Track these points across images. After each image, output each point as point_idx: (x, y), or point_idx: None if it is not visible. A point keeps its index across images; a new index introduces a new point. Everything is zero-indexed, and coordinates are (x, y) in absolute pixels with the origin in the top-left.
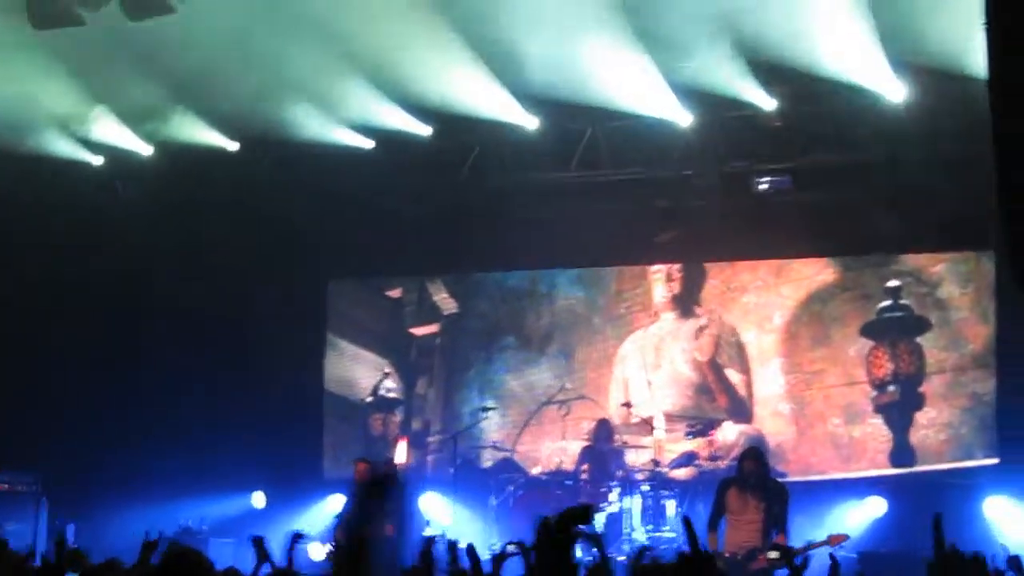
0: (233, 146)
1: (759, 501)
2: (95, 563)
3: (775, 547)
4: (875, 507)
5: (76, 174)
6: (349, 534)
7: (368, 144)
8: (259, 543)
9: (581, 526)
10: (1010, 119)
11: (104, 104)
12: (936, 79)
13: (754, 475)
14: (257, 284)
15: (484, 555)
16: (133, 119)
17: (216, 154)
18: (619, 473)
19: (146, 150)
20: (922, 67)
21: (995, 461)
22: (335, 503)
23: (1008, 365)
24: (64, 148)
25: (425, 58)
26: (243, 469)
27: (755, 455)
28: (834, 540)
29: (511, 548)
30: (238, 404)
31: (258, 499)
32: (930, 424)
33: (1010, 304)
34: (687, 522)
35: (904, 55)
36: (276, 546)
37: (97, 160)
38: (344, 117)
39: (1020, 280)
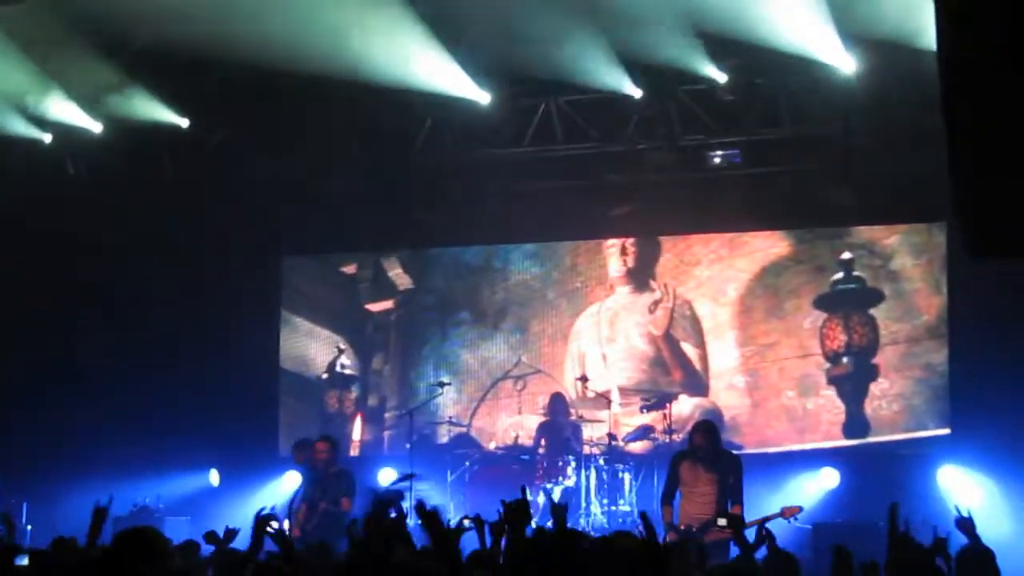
0: (183, 122)
1: (712, 473)
2: (49, 541)
3: (724, 515)
4: (829, 478)
5: (25, 151)
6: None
7: None
8: (261, 524)
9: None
10: (960, 92)
11: (54, 81)
12: (887, 51)
13: (703, 448)
14: (210, 261)
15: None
16: (83, 96)
17: (167, 131)
18: (575, 447)
19: (96, 127)
20: (873, 39)
21: (947, 431)
22: (291, 481)
23: (960, 336)
24: (13, 125)
25: (376, 33)
26: (198, 447)
27: (704, 428)
28: (788, 512)
29: (467, 523)
30: (193, 382)
31: (213, 477)
32: (883, 395)
33: (962, 275)
34: (644, 517)
35: (855, 27)
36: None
37: (46, 137)
38: None
39: (971, 251)
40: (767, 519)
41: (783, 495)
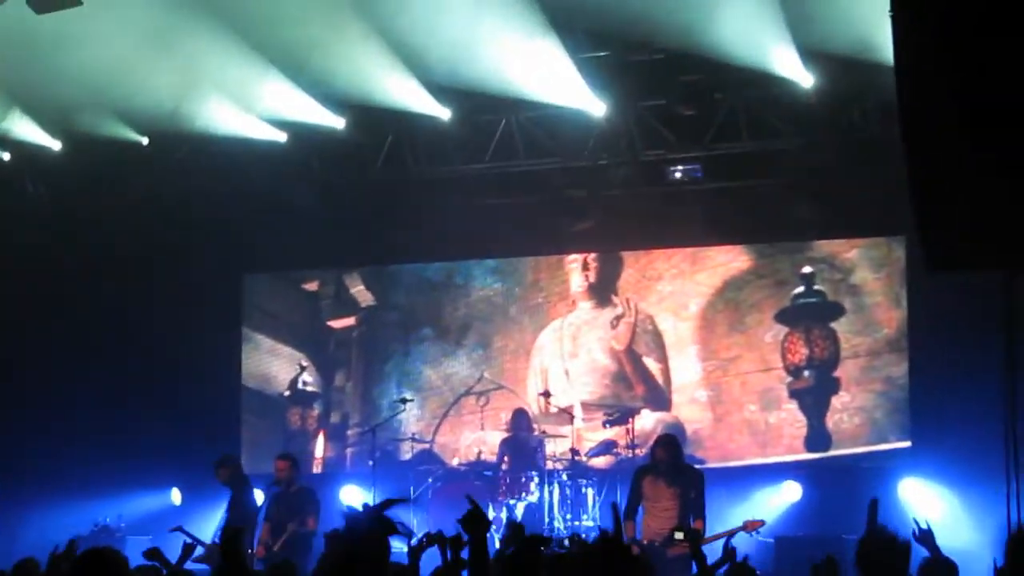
0: (144, 140)
1: (674, 488)
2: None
3: (681, 529)
4: (791, 492)
5: None
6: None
7: (281, 137)
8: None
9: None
10: (918, 106)
11: (14, 100)
12: (845, 66)
13: (665, 462)
14: (172, 279)
15: (402, 547)
16: (43, 114)
17: (128, 148)
18: (538, 463)
19: (55, 145)
20: (831, 54)
21: (908, 444)
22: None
23: (920, 349)
24: None
25: (338, 50)
26: (160, 466)
27: (666, 443)
28: (750, 526)
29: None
30: (154, 401)
31: (175, 496)
32: (844, 408)
33: (921, 289)
34: (614, 507)
35: (813, 42)
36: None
37: (4, 156)
38: (257, 110)
39: (931, 265)
40: (730, 533)
41: (746, 509)
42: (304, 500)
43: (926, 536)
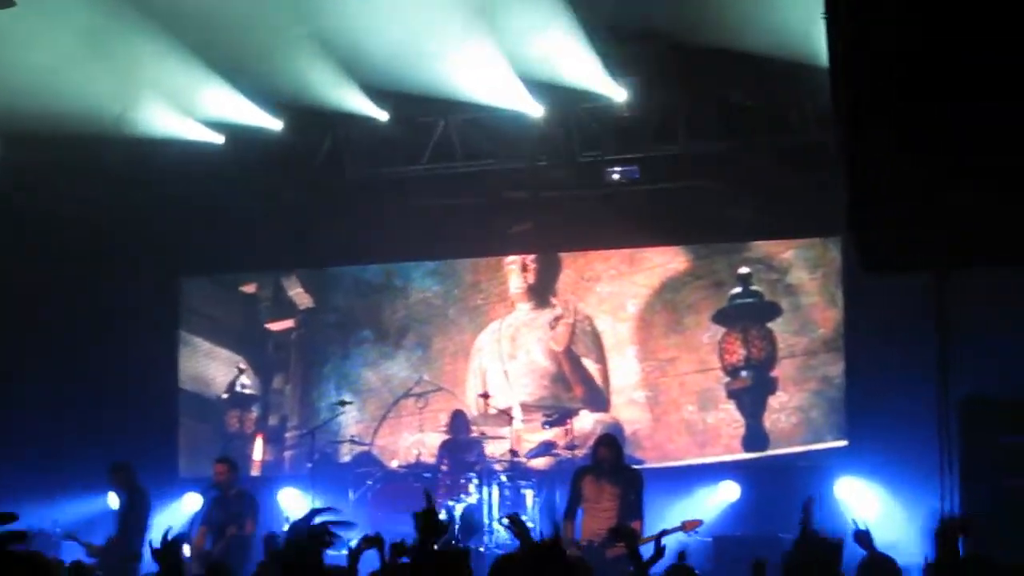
0: (81, 143)
1: (614, 487)
2: None
3: (616, 529)
4: (729, 491)
5: None
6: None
7: (219, 139)
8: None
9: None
10: (852, 109)
11: None
12: (781, 69)
13: (608, 461)
14: (107, 283)
15: (341, 551)
16: None
17: (64, 151)
18: (477, 465)
19: None
20: (766, 57)
21: (844, 443)
22: (191, 502)
23: (855, 348)
24: None
25: (275, 52)
26: (97, 470)
27: (609, 441)
28: (688, 526)
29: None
30: (91, 404)
31: (112, 500)
32: (782, 408)
33: (857, 289)
34: (512, 519)
35: (747, 45)
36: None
37: None
38: (194, 113)
39: (865, 266)
40: (667, 533)
41: (685, 508)
42: (243, 504)
43: (863, 536)
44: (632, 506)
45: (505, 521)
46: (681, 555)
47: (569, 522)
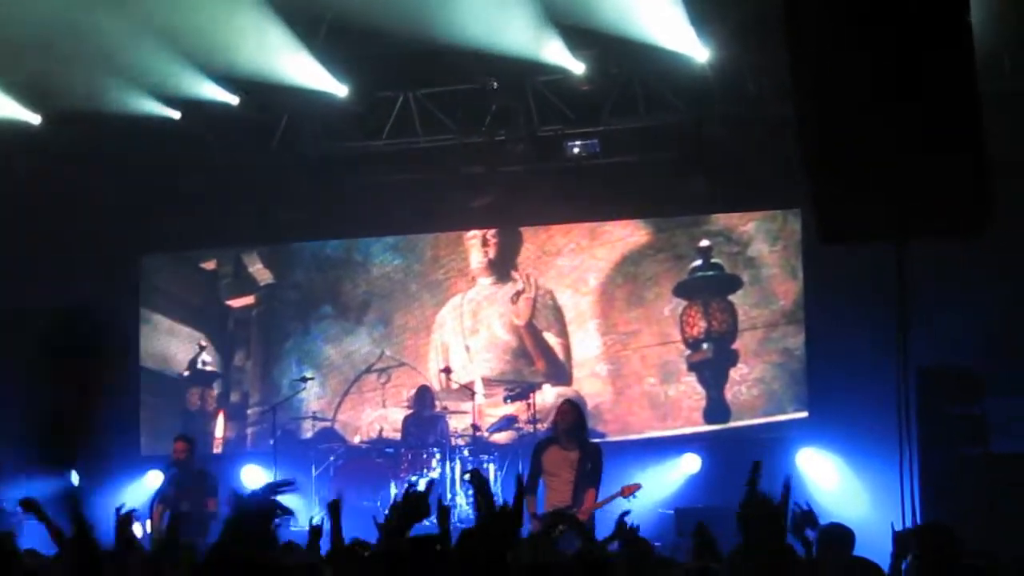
0: (35, 119)
1: (573, 457)
2: None
3: (551, 514)
4: (691, 463)
5: None
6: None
7: (175, 115)
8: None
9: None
10: (810, 81)
11: None
12: (739, 40)
13: (566, 425)
14: (67, 260)
15: (304, 526)
16: None
17: (18, 127)
18: (440, 440)
19: None
20: (725, 29)
21: (805, 414)
22: (152, 479)
23: (815, 320)
24: None
25: (232, 25)
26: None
27: (567, 407)
28: (626, 490)
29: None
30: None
31: (73, 478)
32: (743, 380)
33: (817, 260)
34: (519, 478)
35: (707, 16)
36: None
37: None
38: (150, 87)
39: (823, 237)
40: (607, 500)
41: (646, 481)
42: (202, 481)
43: (804, 518)
44: (588, 475)
45: (467, 477)
46: (621, 525)
47: (531, 496)
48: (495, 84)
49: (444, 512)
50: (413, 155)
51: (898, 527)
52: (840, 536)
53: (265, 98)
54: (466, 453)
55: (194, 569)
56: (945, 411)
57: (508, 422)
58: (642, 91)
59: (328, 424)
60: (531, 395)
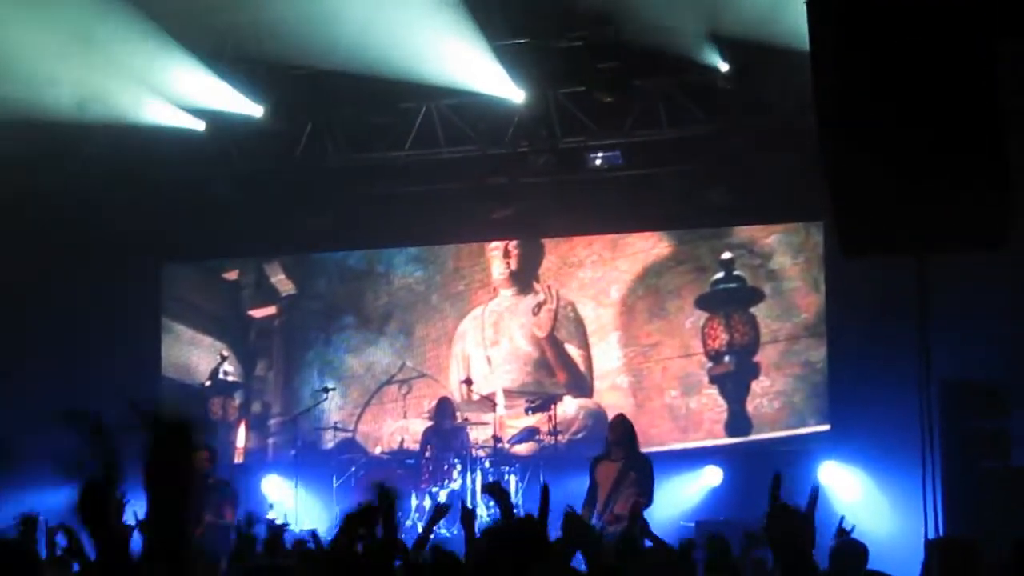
0: (64, 128)
1: (618, 468)
2: None
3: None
4: (712, 476)
5: None
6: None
7: (200, 126)
8: None
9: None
10: (833, 94)
11: None
12: (762, 53)
13: (611, 443)
14: (89, 270)
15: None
16: None
17: (46, 136)
18: (461, 451)
19: None
20: (747, 41)
21: (827, 427)
22: None
23: (838, 333)
24: None
25: (256, 36)
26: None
27: (611, 424)
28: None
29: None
30: (73, 392)
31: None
32: (764, 393)
33: (839, 273)
34: (545, 488)
35: (728, 28)
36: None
37: None
38: (175, 99)
39: (846, 250)
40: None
41: (667, 493)
42: (222, 493)
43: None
44: (632, 484)
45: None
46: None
47: (586, 508)
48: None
49: (468, 517)
50: (435, 166)
51: (921, 540)
52: (854, 552)
53: (289, 108)
54: (487, 465)
55: None
56: (967, 424)
57: (529, 434)
58: (665, 103)
59: (349, 435)
60: (552, 407)
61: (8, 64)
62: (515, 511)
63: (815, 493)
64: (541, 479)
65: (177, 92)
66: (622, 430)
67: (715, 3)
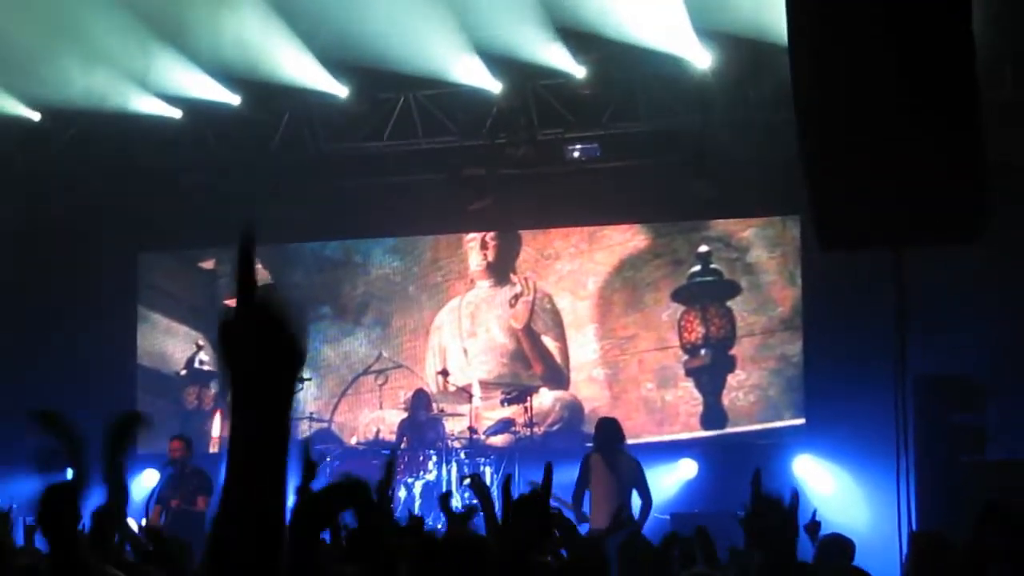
0: (35, 117)
1: (606, 468)
2: None
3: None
4: (687, 469)
5: None
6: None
7: (176, 114)
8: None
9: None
10: (811, 89)
11: None
12: (741, 46)
13: (596, 443)
14: (64, 257)
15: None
16: None
17: (20, 125)
18: (437, 443)
19: None
20: (727, 35)
21: (802, 421)
22: (148, 478)
23: (813, 327)
24: None
25: (233, 25)
26: (52, 446)
27: (596, 424)
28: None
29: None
30: (47, 380)
31: (69, 476)
32: (740, 386)
33: (815, 267)
34: (548, 466)
35: (710, 22)
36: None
37: None
38: (150, 87)
39: (823, 243)
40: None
41: None
42: (198, 481)
43: (812, 529)
44: (633, 485)
45: (466, 482)
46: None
47: (576, 503)
48: None
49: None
50: (413, 156)
51: (895, 534)
52: (840, 546)
53: (266, 98)
54: (463, 456)
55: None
56: (943, 419)
57: (505, 425)
58: (643, 96)
59: (325, 425)
60: (528, 398)
61: None
62: (494, 505)
63: (795, 498)
64: (516, 471)
65: (154, 80)
66: (600, 432)
67: None
